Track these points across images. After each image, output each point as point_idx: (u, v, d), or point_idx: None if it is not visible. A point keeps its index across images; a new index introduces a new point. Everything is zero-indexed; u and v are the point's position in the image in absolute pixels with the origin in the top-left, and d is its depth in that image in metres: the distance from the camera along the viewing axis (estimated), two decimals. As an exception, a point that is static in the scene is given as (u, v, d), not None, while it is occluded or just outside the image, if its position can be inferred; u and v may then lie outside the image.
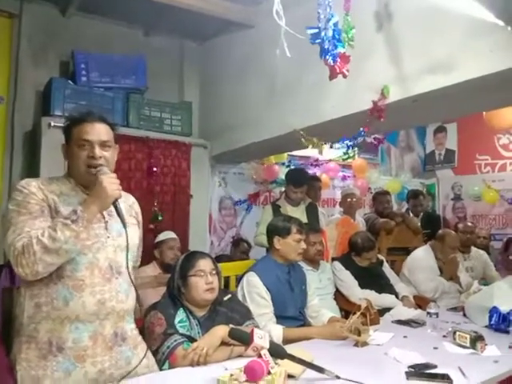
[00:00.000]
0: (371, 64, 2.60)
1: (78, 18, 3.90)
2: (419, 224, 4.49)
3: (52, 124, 3.32)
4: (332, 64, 1.73)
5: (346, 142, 2.87)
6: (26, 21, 3.67)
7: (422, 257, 3.64)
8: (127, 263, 1.51)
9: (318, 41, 1.72)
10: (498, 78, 2.05)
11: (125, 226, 1.51)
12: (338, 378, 1.61)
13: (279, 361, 1.59)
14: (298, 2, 2.11)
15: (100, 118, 1.60)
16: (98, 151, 1.53)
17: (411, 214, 4.82)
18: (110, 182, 1.46)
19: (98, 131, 1.56)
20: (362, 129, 2.61)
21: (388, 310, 3.09)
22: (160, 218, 3.74)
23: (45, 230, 1.38)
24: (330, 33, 1.68)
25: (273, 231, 2.55)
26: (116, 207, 1.50)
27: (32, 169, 3.51)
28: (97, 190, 1.45)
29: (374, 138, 3.83)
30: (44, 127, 3.38)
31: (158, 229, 3.59)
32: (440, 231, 3.74)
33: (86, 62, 3.68)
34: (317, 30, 1.71)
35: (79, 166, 1.55)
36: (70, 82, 3.61)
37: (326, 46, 1.69)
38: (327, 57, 1.70)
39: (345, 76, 1.81)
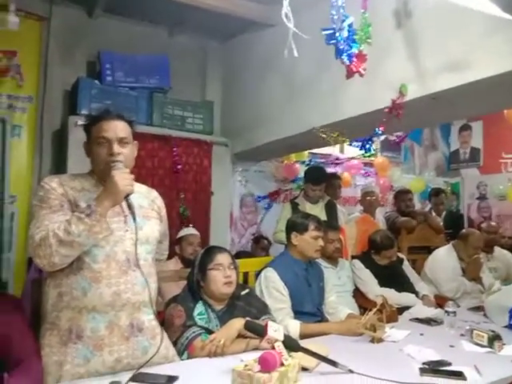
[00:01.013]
0: (389, 62, 2.59)
1: (104, 19, 4.02)
2: (442, 223, 4.44)
3: (78, 123, 3.43)
4: (348, 63, 1.75)
5: (364, 141, 2.87)
6: (54, 23, 3.80)
7: (444, 256, 3.59)
8: (136, 255, 1.55)
9: (332, 41, 1.74)
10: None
11: (135, 219, 1.55)
12: (352, 372, 1.64)
13: (293, 353, 1.63)
14: (316, 2, 2.13)
15: (117, 115, 1.64)
16: (115, 148, 1.58)
17: (433, 213, 4.78)
18: (121, 177, 1.50)
19: (116, 128, 1.60)
20: (378, 128, 2.60)
21: (407, 308, 3.09)
22: (185, 215, 3.84)
23: (61, 224, 1.44)
24: (345, 33, 1.70)
25: (291, 227, 2.58)
26: (128, 202, 1.55)
27: (60, 166, 3.64)
28: (109, 185, 1.49)
29: (396, 136, 3.81)
30: (71, 126, 3.50)
31: (184, 224, 3.69)
32: (463, 230, 3.68)
33: (111, 62, 3.79)
34: (331, 31, 1.73)
35: (99, 163, 1.60)
36: (96, 81, 3.72)
37: (341, 47, 1.71)
38: (342, 57, 1.72)
39: (361, 75, 1.83)
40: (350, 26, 1.73)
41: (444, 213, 4.80)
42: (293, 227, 2.56)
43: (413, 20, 2.46)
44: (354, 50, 1.74)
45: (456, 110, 2.84)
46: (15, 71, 3.65)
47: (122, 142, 1.61)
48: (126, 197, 1.54)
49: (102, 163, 1.59)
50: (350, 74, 1.83)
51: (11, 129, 3.47)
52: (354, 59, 1.75)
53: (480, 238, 3.61)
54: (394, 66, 2.62)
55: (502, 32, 2.02)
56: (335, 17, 1.69)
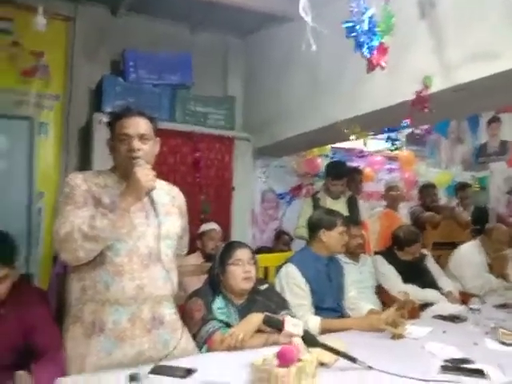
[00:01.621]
0: (413, 54, 2.54)
1: (128, 17, 4.07)
2: (469, 218, 4.34)
3: (103, 120, 3.50)
4: (368, 57, 1.72)
5: (388, 134, 2.82)
6: (79, 23, 3.89)
7: (470, 252, 3.53)
8: (160, 250, 1.59)
9: (353, 34, 1.71)
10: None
11: (157, 215, 1.59)
12: (371, 368, 1.62)
13: (312, 349, 1.63)
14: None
15: (138, 112, 1.67)
16: (136, 144, 1.60)
17: (461, 208, 4.67)
18: (143, 173, 1.52)
19: (136, 125, 1.63)
20: (404, 121, 2.55)
21: (430, 305, 3.04)
22: (207, 209, 3.88)
23: (85, 219, 1.48)
24: (366, 26, 1.67)
25: (318, 225, 2.56)
26: (150, 198, 1.58)
27: (86, 163, 3.72)
28: (131, 181, 1.52)
29: (421, 130, 3.74)
30: (95, 123, 3.57)
31: (203, 220, 3.72)
32: (488, 225, 3.61)
33: (134, 59, 3.86)
34: (351, 24, 1.71)
35: (120, 159, 1.64)
36: (120, 79, 3.79)
37: (362, 39, 1.68)
38: (363, 50, 1.69)
39: (382, 68, 1.80)
40: (370, 18, 1.70)
41: (472, 208, 4.68)
42: (321, 224, 2.54)
43: (437, 10, 2.39)
44: (375, 43, 1.71)
45: (483, 101, 2.77)
46: (43, 71, 3.76)
47: (142, 138, 1.63)
48: (148, 192, 1.57)
49: (124, 159, 1.62)
50: (370, 67, 1.80)
51: (38, 127, 3.56)
52: (375, 52, 1.72)
53: (506, 232, 3.52)
54: (417, 58, 2.56)
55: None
56: (355, 9, 1.67)
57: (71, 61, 3.88)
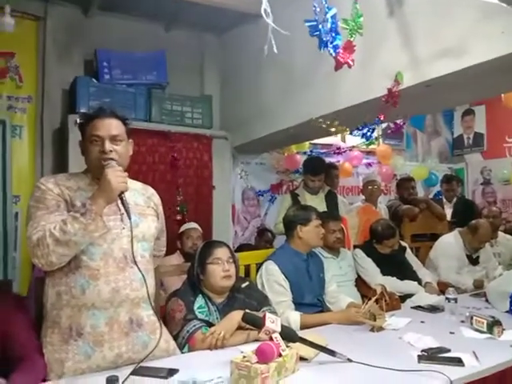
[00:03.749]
0: (384, 50, 2.58)
1: (100, 17, 4.00)
2: (451, 210, 4.42)
3: (78, 121, 3.45)
4: (334, 55, 1.74)
5: (364, 129, 2.86)
6: (50, 22, 3.79)
7: (448, 244, 3.57)
8: (133, 253, 1.56)
9: (316, 33, 1.73)
10: (511, 59, 2.01)
11: (129, 217, 1.56)
12: (350, 361, 1.66)
13: (291, 344, 1.65)
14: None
15: (110, 113, 1.65)
16: (108, 145, 1.58)
17: (444, 199, 4.75)
18: (115, 175, 1.51)
19: (108, 126, 1.61)
20: (377, 117, 2.60)
21: (410, 296, 3.10)
22: (184, 210, 3.86)
23: (57, 224, 1.46)
24: (328, 25, 1.69)
25: (294, 221, 2.59)
26: (122, 199, 1.56)
27: (61, 164, 3.66)
28: (102, 184, 1.51)
29: (395, 124, 3.80)
30: (70, 124, 3.51)
31: (183, 220, 3.71)
32: (474, 222, 3.54)
33: (108, 59, 3.80)
34: (314, 23, 1.72)
35: (92, 161, 1.62)
36: (93, 79, 3.73)
37: (325, 39, 1.71)
38: (328, 48, 1.72)
39: (349, 66, 1.82)
40: (332, 17, 1.72)
41: (454, 199, 4.76)
42: (296, 221, 2.58)
43: (405, 8, 2.44)
44: (338, 42, 1.74)
45: (453, 95, 2.83)
46: (14, 72, 3.68)
47: (114, 139, 1.61)
48: (120, 194, 1.55)
49: (95, 161, 1.60)
50: (338, 65, 1.82)
51: (12, 129, 3.48)
52: (341, 51, 1.74)
53: (489, 231, 3.52)
54: (388, 55, 2.60)
55: (494, 17, 2.00)
56: (318, 9, 1.69)
57: (43, 61, 3.79)
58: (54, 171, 3.68)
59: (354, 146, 5.03)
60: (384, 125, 4.97)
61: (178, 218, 3.83)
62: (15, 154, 3.51)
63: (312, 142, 4.89)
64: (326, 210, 3.44)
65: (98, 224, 1.48)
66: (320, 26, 1.70)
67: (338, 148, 5.10)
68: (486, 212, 3.99)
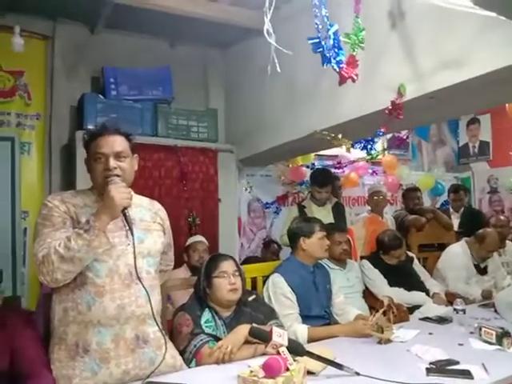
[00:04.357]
0: (386, 63, 2.61)
1: (106, 34, 4.07)
2: (459, 220, 4.39)
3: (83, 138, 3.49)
4: (338, 70, 1.77)
5: (365, 142, 2.88)
6: (58, 41, 3.87)
7: (455, 254, 3.55)
8: (136, 269, 1.56)
9: (319, 50, 1.76)
10: (512, 70, 2.03)
11: (132, 233, 1.57)
12: (358, 374, 1.64)
13: (299, 358, 1.65)
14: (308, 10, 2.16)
15: (114, 130, 1.66)
16: (112, 162, 1.60)
17: (451, 209, 4.73)
18: (118, 191, 1.52)
19: (112, 143, 1.63)
20: (379, 129, 2.61)
21: (418, 307, 3.08)
22: (196, 222, 3.89)
23: (61, 241, 1.48)
24: (331, 42, 1.72)
25: (297, 233, 2.59)
26: (125, 215, 1.57)
27: (69, 180, 3.69)
28: (106, 200, 1.52)
29: (399, 137, 3.82)
30: (78, 141, 3.55)
31: (190, 233, 3.73)
32: (481, 231, 3.51)
33: (114, 76, 3.86)
34: (317, 40, 1.75)
35: (97, 179, 1.64)
36: (100, 96, 3.79)
37: (328, 55, 1.73)
38: (331, 64, 1.74)
39: (353, 80, 1.85)
40: (335, 34, 1.75)
41: (461, 209, 4.72)
42: (300, 233, 2.58)
43: (406, 20, 2.47)
44: (341, 57, 1.76)
45: (456, 106, 2.84)
46: (23, 90, 3.76)
47: (118, 156, 1.63)
48: (123, 210, 1.56)
49: (100, 178, 1.62)
50: (342, 80, 1.85)
51: (20, 146, 3.54)
52: (344, 65, 1.76)
53: (497, 241, 3.49)
54: (391, 67, 2.63)
55: (495, 29, 2.02)
56: (320, 26, 1.72)
57: (51, 79, 3.87)
58: (62, 187, 3.73)
59: (359, 158, 5.04)
60: (389, 135, 4.98)
61: (192, 231, 3.85)
62: (24, 171, 3.57)
63: (317, 153, 4.90)
64: (333, 221, 3.45)
65: (102, 240, 1.48)
66: (323, 43, 1.73)
67: (344, 159, 5.08)
68: (493, 221, 3.96)
